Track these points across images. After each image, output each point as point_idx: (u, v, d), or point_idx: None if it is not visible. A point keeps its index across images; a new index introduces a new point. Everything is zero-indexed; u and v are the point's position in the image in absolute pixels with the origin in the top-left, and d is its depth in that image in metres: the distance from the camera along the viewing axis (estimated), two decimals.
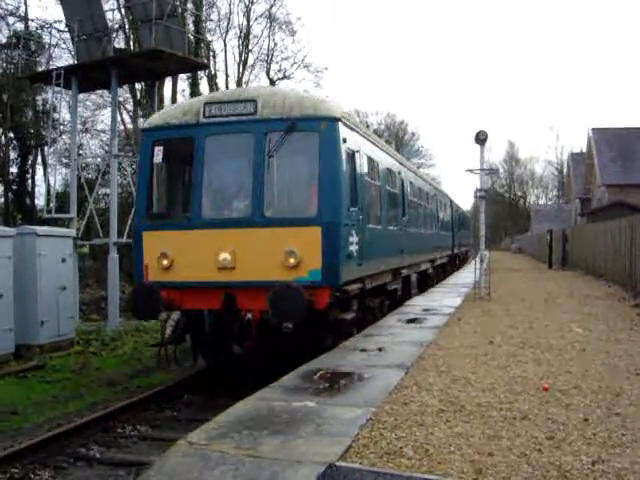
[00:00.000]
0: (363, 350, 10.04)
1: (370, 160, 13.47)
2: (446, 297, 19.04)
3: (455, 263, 38.51)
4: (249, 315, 10.54)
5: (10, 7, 35.86)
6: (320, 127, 10.68)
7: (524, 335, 11.43)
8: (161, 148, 11.36)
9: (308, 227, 10.42)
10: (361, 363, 9.05)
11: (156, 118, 12.23)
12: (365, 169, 12.79)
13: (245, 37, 46.98)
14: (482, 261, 19.49)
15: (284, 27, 48.37)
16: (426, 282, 24.12)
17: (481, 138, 18.64)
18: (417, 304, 17.02)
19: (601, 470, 4.93)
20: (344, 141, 10.99)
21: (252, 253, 10.46)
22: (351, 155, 11.57)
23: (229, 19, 46.11)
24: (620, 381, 7.86)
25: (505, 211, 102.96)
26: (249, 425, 6.13)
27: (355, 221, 11.46)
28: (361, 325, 12.79)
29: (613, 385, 7.65)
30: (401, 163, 18.43)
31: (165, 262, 10.85)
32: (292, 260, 10.20)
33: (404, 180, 18.03)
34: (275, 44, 48.62)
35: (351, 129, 11.81)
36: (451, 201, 36.21)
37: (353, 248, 11.28)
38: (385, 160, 15.49)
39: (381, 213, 14.52)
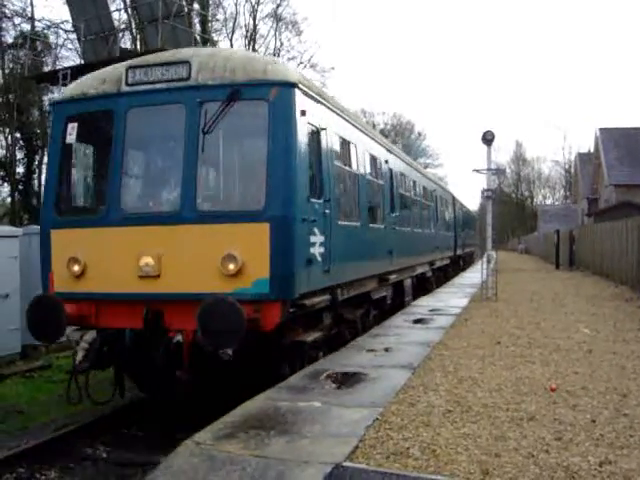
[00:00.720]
0: (370, 350, 10.04)
1: (344, 142, 11.08)
2: (453, 297, 19.04)
3: (459, 265, 36.26)
4: (179, 337, 8.13)
5: (17, 7, 36.06)
6: (270, 94, 8.26)
7: (531, 336, 11.40)
8: (75, 125, 9.08)
9: (253, 224, 8.09)
10: (368, 363, 9.04)
11: (71, 88, 9.76)
12: (335, 152, 10.35)
13: (251, 37, 47.03)
14: (489, 262, 19.46)
15: (290, 27, 48.46)
16: (425, 287, 21.61)
17: (488, 138, 18.63)
18: (423, 304, 17.01)
19: (609, 471, 4.91)
20: (303, 114, 8.63)
21: (181, 257, 8.19)
22: (314, 133, 9.24)
23: (235, 19, 46.17)
24: (627, 382, 7.84)
25: (512, 211, 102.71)
26: (256, 425, 6.13)
27: (319, 216, 9.11)
28: (339, 343, 10.83)
29: (620, 386, 7.62)
30: (390, 151, 15.60)
31: (76, 268, 8.54)
32: (232, 267, 7.89)
33: (393, 170, 15.43)
34: (281, 44, 48.68)
35: (315, 100, 9.39)
36: (454, 198, 33.43)
37: (316, 250, 8.98)
38: (366, 144, 12.83)
39: (360, 208, 11.99)
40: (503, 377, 8.12)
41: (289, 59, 48.52)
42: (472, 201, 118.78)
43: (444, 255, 26.75)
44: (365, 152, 12.62)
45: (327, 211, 9.44)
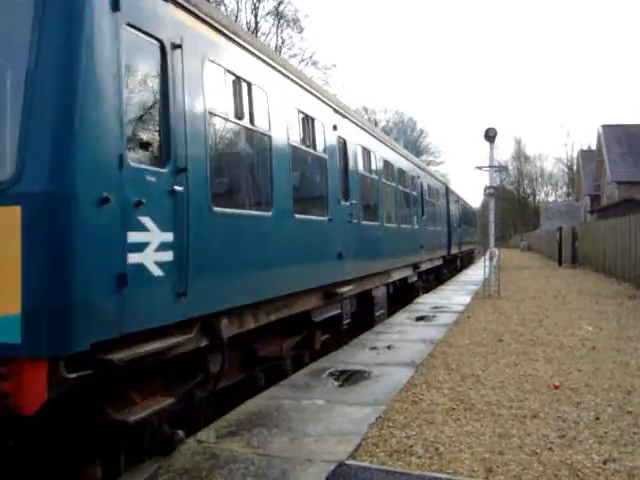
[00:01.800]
0: (372, 348, 10.04)
1: (214, 68, 6.51)
2: (455, 295, 19.05)
3: (455, 266, 32.46)
4: None
5: None
6: None
7: (534, 333, 11.39)
8: None
9: None
10: (370, 361, 9.04)
11: None
12: (197, 84, 6.07)
13: (253, 34, 46.98)
14: (491, 259, 19.44)
15: (292, 24, 48.40)
16: (409, 294, 18.07)
17: (490, 135, 18.63)
18: (426, 302, 17.03)
19: (613, 469, 4.90)
20: (115, 6, 4.84)
21: None
22: (133, 44, 5.15)
23: (237, 16, 46.08)
24: (631, 379, 7.82)
25: (514, 208, 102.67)
26: (259, 423, 6.12)
27: (157, 196, 5.26)
28: (229, 406, 6.90)
29: (624, 383, 7.61)
30: (337, 110, 10.68)
31: None
32: None
33: (346, 141, 10.97)
34: (283, 41, 48.63)
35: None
36: (448, 189, 28.70)
37: (148, 258, 5.12)
38: (272, 81, 7.95)
39: (274, 188, 7.72)
40: (506, 375, 8.11)
41: (291, 56, 48.53)
42: (475, 199, 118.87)
43: (434, 255, 22.42)
44: (276, 98, 7.93)
45: (179, 188, 5.50)
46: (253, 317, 7.28)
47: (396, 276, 15.39)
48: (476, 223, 49.38)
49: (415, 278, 18.62)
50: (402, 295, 16.98)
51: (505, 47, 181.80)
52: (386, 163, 14.68)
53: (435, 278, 24.35)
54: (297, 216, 8.41)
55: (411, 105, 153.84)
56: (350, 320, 11.07)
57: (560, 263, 37.37)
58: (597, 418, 6.22)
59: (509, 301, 16.88)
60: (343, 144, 10.91)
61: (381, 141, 14.48)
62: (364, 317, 12.54)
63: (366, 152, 12.64)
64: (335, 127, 10.42)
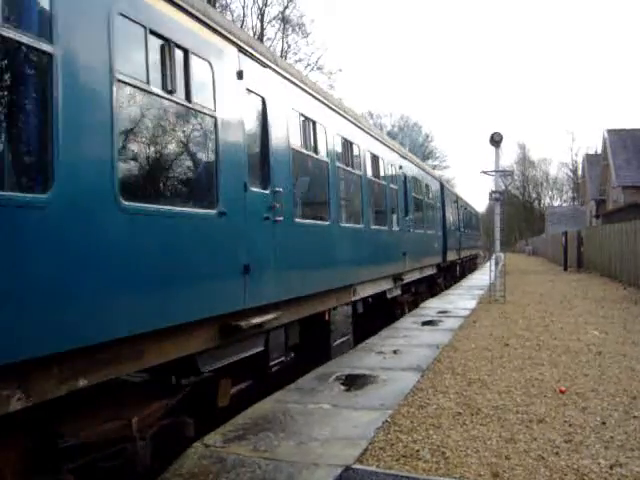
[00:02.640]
0: (379, 352, 10.06)
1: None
2: (461, 299, 19.05)
3: (454, 274, 28.71)
4: None
5: None
6: None
7: (540, 337, 11.38)
8: None
9: None
10: (377, 365, 9.05)
11: None
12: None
13: (258, 39, 47.11)
14: (497, 264, 19.43)
15: (297, 29, 48.57)
16: (390, 312, 15.05)
17: (496, 140, 18.62)
18: (432, 307, 17.02)
19: (619, 474, 4.90)
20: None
21: None
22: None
23: (243, 21, 46.31)
24: (637, 384, 7.81)
25: (519, 213, 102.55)
26: (266, 427, 6.14)
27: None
28: None
29: (630, 388, 7.60)
30: (243, 50, 7.08)
31: None
32: None
33: (265, 99, 7.47)
34: (289, 46, 48.83)
35: None
36: (443, 186, 24.61)
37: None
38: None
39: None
40: (512, 379, 8.11)
41: (296, 61, 48.69)
42: (480, 203, 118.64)
43: (424, 263, 18.71)
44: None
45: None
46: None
47: (366, 292, 11.90)
48: (479, 227, 47.88)
49: (398, 292, 14.98)
50: (380, 314, 14.03)
51: (510, 52, 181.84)
52: (346, 142, 11.00)
53: (428, 290, 20.88)
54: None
55: (416, 110, 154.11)
56: (287, 357, 8.09)
57: (565, 268, 37.31)
58: (603, 423, 6.22)
59: (515, 305, 16.87)
60: (260, 103, 7.46)
61: (336, 111, 10.44)
62: (317, 348, 9.74)
63: (308, 122, 9.12)
64: (241, 75, 6.90)
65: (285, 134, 8.11)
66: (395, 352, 10.05)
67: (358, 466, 5.08)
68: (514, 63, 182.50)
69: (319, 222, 9.56)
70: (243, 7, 46.86)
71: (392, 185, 14.34)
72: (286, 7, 47.03)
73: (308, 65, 49.39)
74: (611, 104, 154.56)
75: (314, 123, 9.34)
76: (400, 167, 15.47)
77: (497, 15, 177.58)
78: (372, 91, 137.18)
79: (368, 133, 12.77)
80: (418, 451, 5.43)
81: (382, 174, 13.70)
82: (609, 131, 48.87)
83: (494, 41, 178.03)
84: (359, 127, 12.07)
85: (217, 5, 41.49)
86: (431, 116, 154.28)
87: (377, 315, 13.75)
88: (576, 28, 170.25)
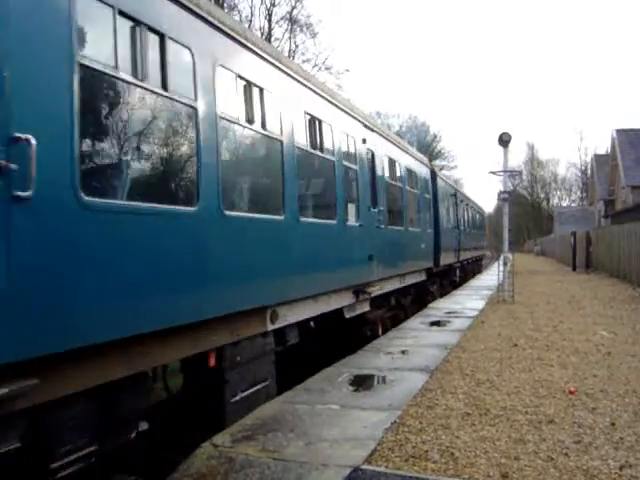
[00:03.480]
0: (387, 353, 10.05)
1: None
2: (469, 300, 19.01)
3: (452, 279, 24.96)
4: None
5: None
6: None
7: (549, 338, 11.35)
8: None
9: None
10: (385, 366, 9.05)
11: None
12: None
13: (266, 39, 47.16)
14: (505, 264, 19.38)
15: (305, 29, 48.56)
16: (358, 336, 11.71)
17: (505, 140, 18.56)
18: (440, 307, 16.98)
19: (629, 475, 4.88)
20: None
21: None
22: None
23: (250, 21, 46.35)
24: None
25: (527, 213, 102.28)
26: (274, 427, 6.15)
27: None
28: None
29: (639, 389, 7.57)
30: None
31: None
32: None
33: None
34: (296, 46, 48.84)
35: None
36: (434, 174, 20.18)
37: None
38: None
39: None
40: (521, 380, 8.09)
41: (304, 61, 48.69)
42: (488, 203, 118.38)
43: (405, 270, 14.98)
44: None
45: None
46: None
47: (299, 314, 8.53)
48: (484, 225, 46.01)
49: (364, 308, 11.62)
50: (338, 339, 11.06)
51: (518, 52, 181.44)
52: (249, 86, 7.15)
53: (418, 297, 17.54)
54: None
55: (424, 109, 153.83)
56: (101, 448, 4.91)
57: (574, 268, 37.17)
58: (613, 424, 6.19)
59: (523, 306, 16.82)
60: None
61: (244, 45, 7.01)
62: (203, 410, 6.59)
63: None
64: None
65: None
66: (403, 352, 10.05)
67: (367, 467, 5.08)
68: (523, 63, 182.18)
69: (185, 208, 5.73)
70: (251, 7, 47.02)
71: (347, 163, 10.62)
72: (294, 7, 47.06)
73: (316, 65, 49.41)
74: (620, 104, 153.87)
75: (246, 84, 7.06)
76: (364, 141, 11.68)
77: (505, 14, 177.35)
78: (380, 91, 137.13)
79: (299, 81, 8.69)
80: (427, 452, 5.42)
81: (332, 147, 9.94)
82: (618, 131, 48.70)
83: (503, 40, 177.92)
84: (318, 93, 9.46)
85: (225, 5, 41.57)
86: (439, 116, 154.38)
87: (336, 341, 11.01)
88: (585, 27, 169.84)
